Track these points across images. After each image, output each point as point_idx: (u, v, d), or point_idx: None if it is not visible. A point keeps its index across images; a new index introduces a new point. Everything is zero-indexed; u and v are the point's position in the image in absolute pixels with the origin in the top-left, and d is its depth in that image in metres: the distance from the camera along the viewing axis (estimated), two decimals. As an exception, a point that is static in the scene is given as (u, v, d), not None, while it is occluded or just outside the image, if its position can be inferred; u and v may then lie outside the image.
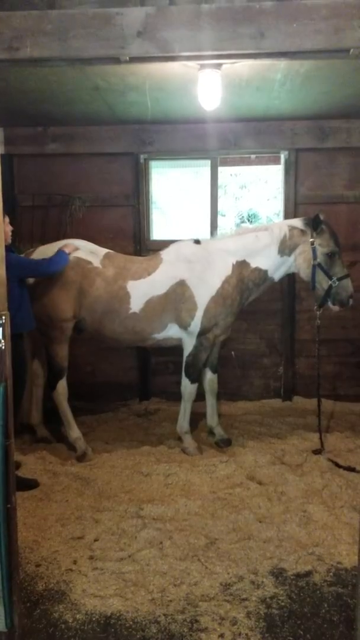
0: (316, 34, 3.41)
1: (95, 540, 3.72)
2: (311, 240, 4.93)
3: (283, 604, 3.09)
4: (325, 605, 3.08)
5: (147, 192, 6.55)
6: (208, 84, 4.36)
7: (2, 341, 2.38)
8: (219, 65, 4.19)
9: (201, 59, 3.81)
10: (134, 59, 3.70)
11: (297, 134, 6.13)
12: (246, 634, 2.85)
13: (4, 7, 3.71)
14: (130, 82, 4.68)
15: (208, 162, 6.48)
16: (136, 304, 4.95)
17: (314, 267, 4.94)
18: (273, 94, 5.07)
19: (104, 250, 5.17)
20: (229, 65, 4.22)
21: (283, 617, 2.98)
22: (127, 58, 3.67)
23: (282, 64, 4.21)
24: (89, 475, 4.63)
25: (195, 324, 5.00)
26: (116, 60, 3.71)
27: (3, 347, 2.38)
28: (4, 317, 2.39)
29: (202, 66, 4.21)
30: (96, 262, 5.02)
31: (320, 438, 5.13)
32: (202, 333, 5.04)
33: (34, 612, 3.03)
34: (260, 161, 6.75)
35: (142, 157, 6.40)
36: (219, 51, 3.61)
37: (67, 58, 3.73)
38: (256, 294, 5.20)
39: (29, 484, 4.42)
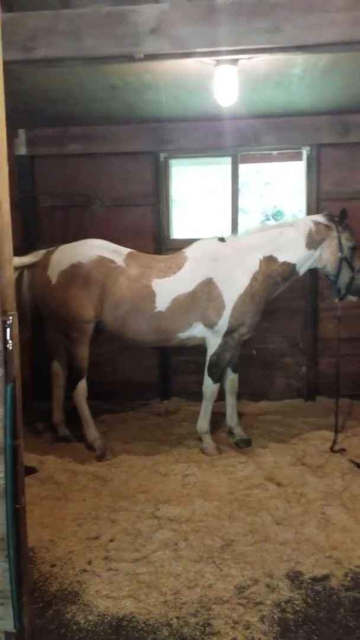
0: (332, 26, 3.34)
1: (111, 540, 3.70)
2: (338, 234, 5.03)
3: (298, 608, 3.03)
4: (342, 611, 3.01)
5: (167, 191, 6.52)
6: (225, 80, 4.30)
7: (10, 341, 2.37)
8: (235, 61, 4.13)
9: (216, 54, 3.78)
10: (149, 57, 3.68)
11: (318, 129, 6.01)
12: (259, 639, 2.80)
13: (18, 7, 3.73)
14: (146, 80, 4.65)
15: (228, 159, 6.40)
16: (162, 303, 4.90)
17: (340, 260, 5.05)
18: (292, 88, 4.99)
19: (126, 250, 5.14)
20: (246, 61, 4.16)
21: (298, 622, 2.92)
22: (142, 56, 3.65)
23: (300, 58, 4.13)
24: (107, 474, 4.62)
25: (223, 323, 4.95)
26: (130, 58, 3.70)
27: (11, 347, 2.38)
28: (11, 318, 2.38)
29: (218, 62, 4.15)
30: (119, 261, 4.98)
31: (335, 437, 5.08)
32: (228, 332, 4.99)
33: (47, 613, 3.02)
34: (281, 157, 6.65)
35: (161, 155, 6.37)
36: (233, 46, 3.57)
37: (82, 57, 3.73)
38: (282, 288, 5.18)
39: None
